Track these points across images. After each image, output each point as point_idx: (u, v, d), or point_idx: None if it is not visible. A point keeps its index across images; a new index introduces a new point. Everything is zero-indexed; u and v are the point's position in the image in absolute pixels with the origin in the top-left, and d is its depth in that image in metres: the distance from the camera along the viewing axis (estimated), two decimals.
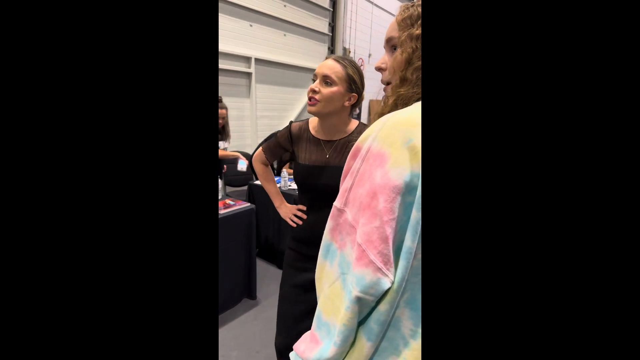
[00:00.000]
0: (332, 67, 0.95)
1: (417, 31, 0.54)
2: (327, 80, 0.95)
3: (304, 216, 1.12)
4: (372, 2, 4.73)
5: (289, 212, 1.17)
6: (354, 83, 0.98)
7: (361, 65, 4.73)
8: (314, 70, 4.73)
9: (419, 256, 0.46)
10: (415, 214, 0.45)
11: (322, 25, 4.18)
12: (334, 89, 0.95)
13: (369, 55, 4.81)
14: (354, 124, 1.07)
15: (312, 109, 0.98)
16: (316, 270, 0.56)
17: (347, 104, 1.00)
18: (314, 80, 0.98)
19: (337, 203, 0.52)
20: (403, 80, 0.55)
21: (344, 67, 0.96)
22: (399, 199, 0.45)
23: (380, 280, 0.45)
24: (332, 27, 4.33)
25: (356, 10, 4.48)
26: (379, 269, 0.45)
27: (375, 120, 0.54)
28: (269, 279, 2.31)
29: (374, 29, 4.86)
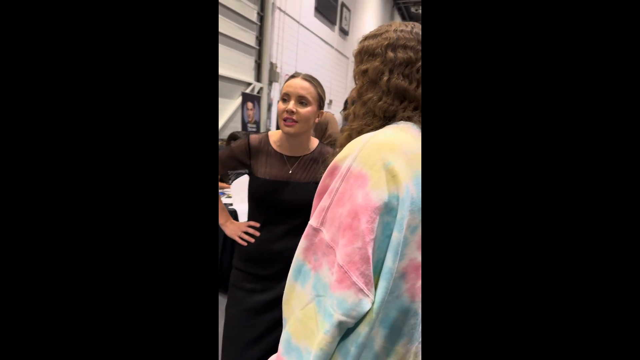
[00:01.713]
0: (306, 88, 0.97)
1: (363, 67, 0.56)
2: (302, 101, 0.96)
3: (257, 233, 1.06)
4: (297, 21, 4.91)
5: (237, 230, 1.09)
6: (322, 101, 1.02)
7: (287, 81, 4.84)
8: (240, 81, 4.64)
9: (395, 275, 0.46)
10: (397, 235, 0.45)
11: (250, 38, 4.18)
12: (309, 108, 0.97)
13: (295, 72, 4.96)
14: (314, 141, 1.09)
15: (291, 130, 0.97)
16: (285, 292, 0.53)
17: (316, 121, 1.02)
18: (285, 100, 0.97)
19: (313, 222, 0.50)
20: (353, 115, 0.58)
21: (314, 86, 0.99)
22: (378, 219, 0.45)
23: (361, 301, 0.44)
24: (260, 40, 4.36)
25: (283, 27, 4.59)
26: (361, 290, 0.44)
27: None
28: None
29: (300, 47, 5.02)
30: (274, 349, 1.08)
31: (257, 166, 1.05)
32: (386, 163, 0.46)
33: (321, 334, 0.46)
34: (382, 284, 0.46)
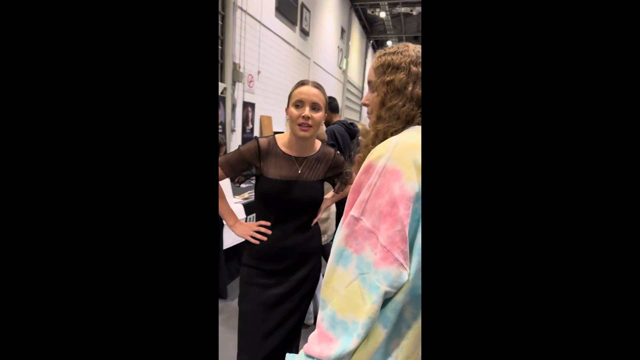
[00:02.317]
0: (317, 95, 1.05)
1: (388, 78, 0.65)
2: (315, 107, 1.04)
3: (269, 232, 1.11)
4: (258, 21, 4.95)
5: (248, 230, 1.13)
6: (327, 105, 1.11)
7: (250, 81, 4.85)
8: None
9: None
10: None
11: None
12: (321, 113, 1.06)
13: (258, 72, 4.98)
14: (318, 142, 1.17)
15: (307, 134, 1.05)
16: (325, 275, 0.60)
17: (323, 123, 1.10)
18: (297, 106, 1.04)
19: (354, 212, 0.57)
20: (379, 118, 0.67)
21: (323, 93, 1.08)
22: (411, 206, 0.54)
23: (402, 274, 0.54)
24: (222, 40, 4.35)
25: (244, 26, 4.61)
26: (402, 265, 0.54)
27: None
28: None
29: (261, 47, 5.06)
30: (287, 339, 1.16)
31: (267, 167, 1.11)
32: (415, 160, 0.55)
33: (369, 304, 0.54)
34: (415, 258, 0.56)
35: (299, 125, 1.05)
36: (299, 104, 1.06)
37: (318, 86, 1.09)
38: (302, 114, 1.04)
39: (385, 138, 0.64)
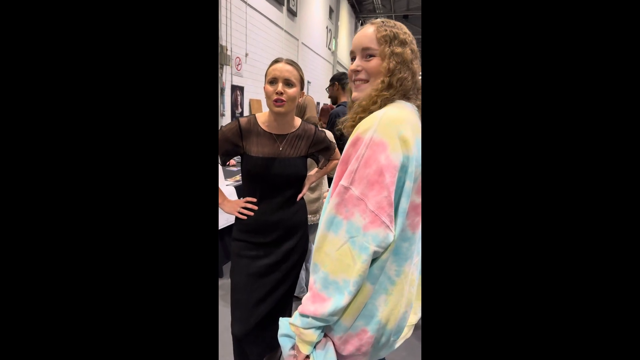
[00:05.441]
0: (290, 71, 1.09)
1: (398, 49, 0.68)
2: (288, 83, 1.08)
3: (255, 207, 1.18)
4: (244, 1, 4.82)
5: (235, 206, 1.20)
6: (303, 82, 1.15)
7: (238, 64, 4.77)
8: None
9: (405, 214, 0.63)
10: (409, 184, 0.62)
11: None
12: (295, 89, 1.10)
13: (246, 54, 4.89)
14: (297, 119, 1.22)
15: (281, 109, 1.09)
16: (316, 241, 0.65)
17: (299, 100, 1.15)
18: (272, 83, 1.09)
19: (343, 182, 0.63)
20: (389, 85, 0.69)
21: (297, 69, 1.12)
22: (396, 174, 0.60)
23: (388, 235, 0.60)
24: None
25: (230, 7, 4.50)
26: (388, 227, 0.60)
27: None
28: None
29: (248, 28, 4.95)
30: (277, 307, 1.25)
31: (249, 146, 1.16)
32: (399, 132, 0.61)
33: (359, 264, 0.60)
34: (399, 220, 0.63)
35: (274, 101, 1.10)
36: (272, 81, 1.10)
37: (292, 63, 1.13)
38: (276, 90, 1.09)
39: (384, 105, 0.68)
